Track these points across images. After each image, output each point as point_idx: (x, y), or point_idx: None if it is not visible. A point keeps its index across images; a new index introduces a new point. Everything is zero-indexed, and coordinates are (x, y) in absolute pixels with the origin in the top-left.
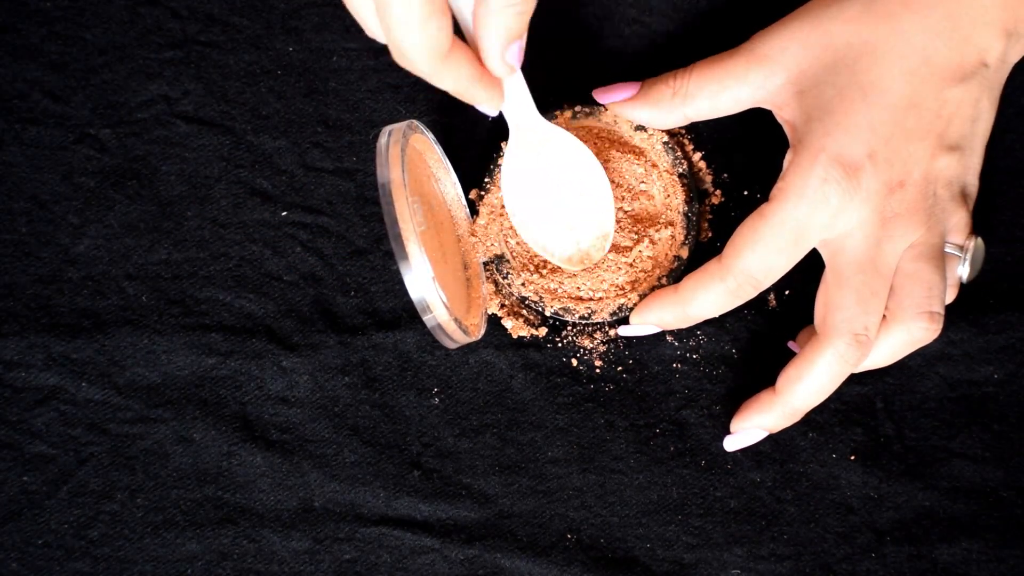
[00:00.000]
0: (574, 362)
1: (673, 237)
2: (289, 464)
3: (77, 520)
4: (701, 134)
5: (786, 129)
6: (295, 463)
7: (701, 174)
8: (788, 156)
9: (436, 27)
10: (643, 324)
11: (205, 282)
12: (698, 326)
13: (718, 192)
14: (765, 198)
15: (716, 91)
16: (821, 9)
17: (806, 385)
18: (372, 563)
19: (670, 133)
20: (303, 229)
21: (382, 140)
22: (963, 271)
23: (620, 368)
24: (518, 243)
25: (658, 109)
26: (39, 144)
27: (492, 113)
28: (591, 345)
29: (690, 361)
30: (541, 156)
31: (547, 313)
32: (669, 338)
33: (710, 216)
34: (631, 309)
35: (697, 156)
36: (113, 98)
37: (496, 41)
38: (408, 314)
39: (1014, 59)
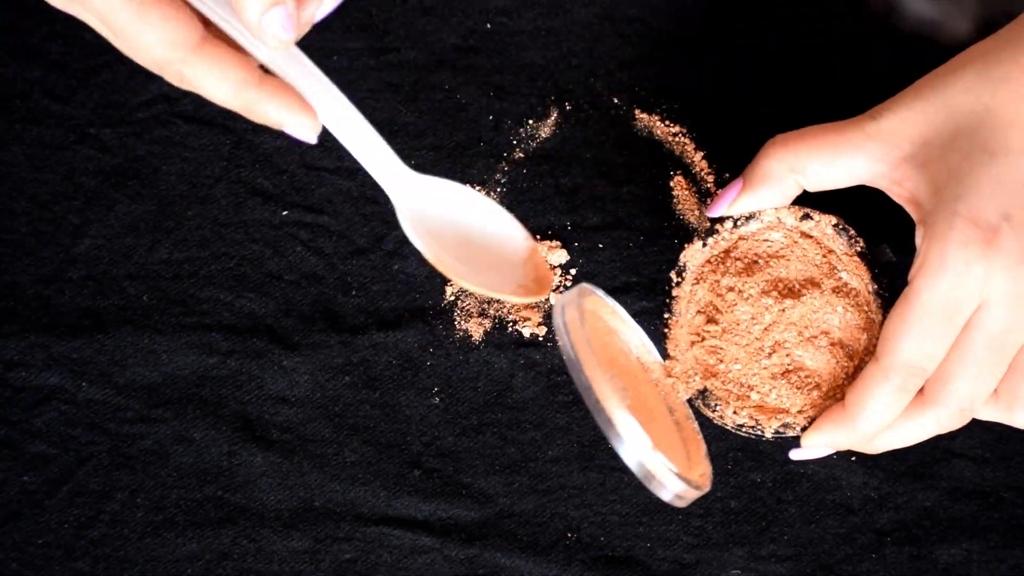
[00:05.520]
0: None
1: (872, 319)
2: (289, 464)
3: (77, 520)
4: (703, 134)
5: (908, 207)
6: (295, 463)
7: (703, 174)
8: (919, 234)
9: (160, 16)
10: (815, 448)
11: (206, 282)
12: None
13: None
14: None
15: (830, 160)
16: (936, 80)
17: (880, 421)
18: (372, 563)
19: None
20: (304, 228)
21: (556, 317)
22: None
23: None
24: (718, 369)
25: (769, 188)
26: (40, 144)
27: (307, 138)
28: None
29: None
30: (426, 205)
31: (768, 436)
32: None
33: None
34: None
35: (699, 156)
36: (114, 98)
37: (254, 4)
38: (409, 313)
39: None
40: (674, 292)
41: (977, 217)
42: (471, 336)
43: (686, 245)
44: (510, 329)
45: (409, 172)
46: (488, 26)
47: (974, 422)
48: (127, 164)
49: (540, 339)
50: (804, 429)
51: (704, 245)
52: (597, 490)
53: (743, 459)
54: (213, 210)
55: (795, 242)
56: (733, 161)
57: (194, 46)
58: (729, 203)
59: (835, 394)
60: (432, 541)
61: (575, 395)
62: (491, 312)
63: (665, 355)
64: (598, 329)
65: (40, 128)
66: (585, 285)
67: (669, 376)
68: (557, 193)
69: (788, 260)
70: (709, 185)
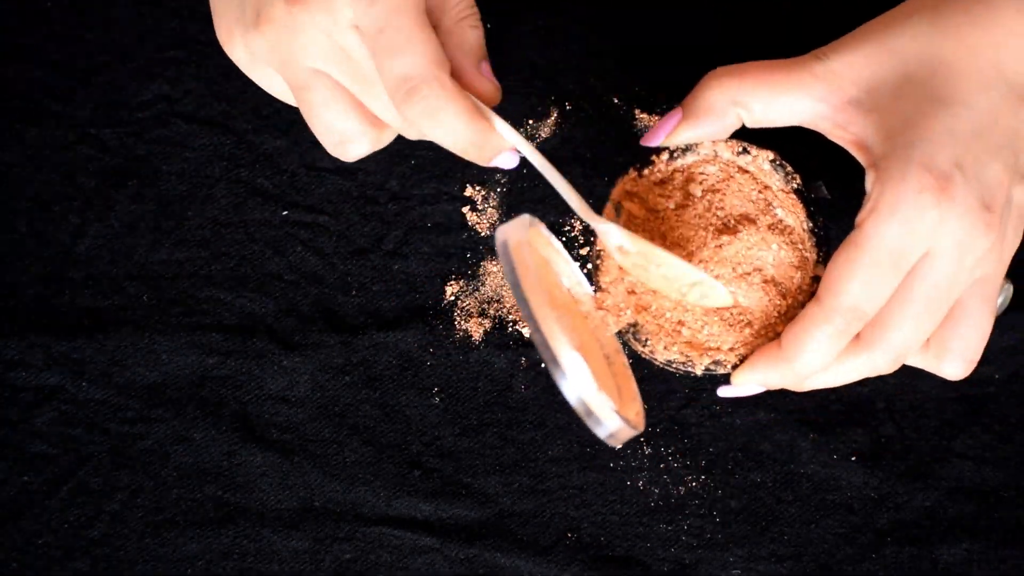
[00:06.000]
0: None
1: (806, 257)
2: (289, 464)
3: (77, 520)
4: None
5: (854, 150)
6: (295, 463)
7: None
8: (869, 178)
9: (431, 33)
10: (745, 385)
11: (206, 282)
12: None
13: None
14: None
15: (771, 96)
16: (884, 27)
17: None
18: (372, 563)
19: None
20: (304, 228)
21: (501, 248)
22: None
23: None
24: (649, 303)
25: (710, 120)
26: (40, 144)
27: (509, 164)
28: None
29: None
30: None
31: (698, 372)
32: None
33: None
34: None
35: None
36: (114, 98)
37: (468, 60)
38: (409, 313)
39: None
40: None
41: (931, 165)
42: (471, 336)
43: (620, 177)
44: (510, 329)
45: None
46: (488, 26)
47: (974, 423)
48: (127, 164)
49: None
50: (735, 367)
51: (639, 176)
52: (597, 490)
53: (743, 459)
54: (213, 210)
55: (731, 176)
56: None
57: (449, 70)
58: (667, 133)
59: (767, 332)
60: (432, 541)
61: None
62: (491, 312)
63: (597, 287)
64: (538, 264)
65: (40, 128)
66: (528, 216)
67: (600, 308)
68: (557, 193)
69: (724, 195)
70: None
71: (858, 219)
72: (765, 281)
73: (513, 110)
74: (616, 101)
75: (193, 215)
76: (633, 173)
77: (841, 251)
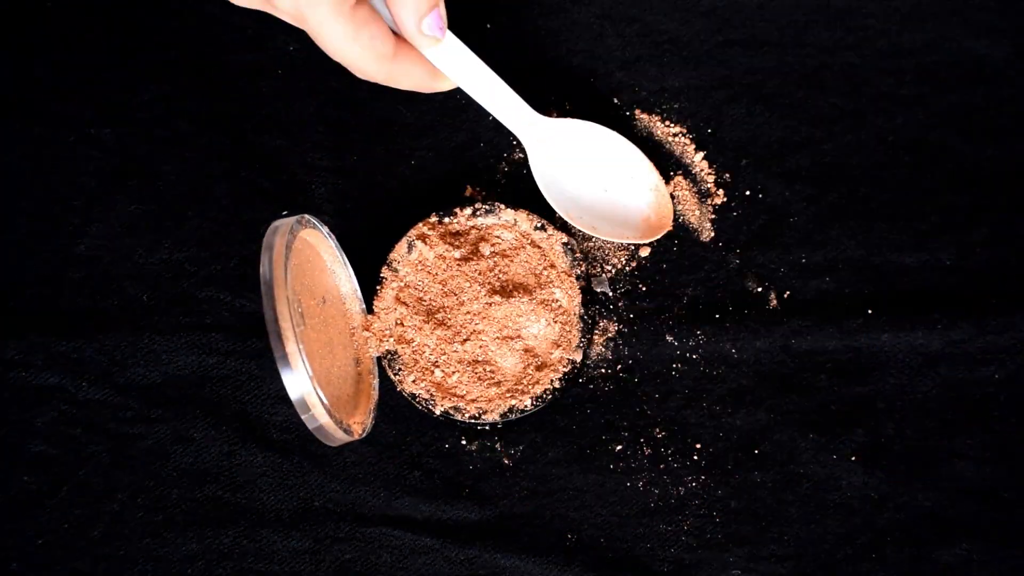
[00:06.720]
0: None
1: (568, 340)
2: (289, 464)
3: (77, 520)
4: (703, 133)
5: None
6: (295, 463)
7: (703, 174)
8: None
9: (369, 36)
10: None
11: (206, 282)
12: (698, 325)
13: (720, 192)
14: (769, 197)
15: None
16: None
17: None
18: (372, 563)
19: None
20: None
21: (267, 237)
22: None
23: (620, 368)
24: (413, 337)
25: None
26: (40, 144)
27: (446, 88)
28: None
29: (690, 361)
30: (556, 148)
31: (436, 412)
32: (669, 338)
33: (713, 216)
34: (522, 411)
35: (699, 156)
36: (114, 98)
37: (412, 14)
38: None
39: None
40: (397, 255)
41: None
42: None
43: (423, 220)
44: None
45: (538, 117)
46: (488, 26)
47: (974, 423)
48: (127, 164)
49: None
50: (472, 417)
51: (439, 222)
52: (597, 491)
53: (743, 459)
54: (213, 210)
55: (523, 247)
56: (734, 161)
57: (392, 55)
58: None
59: (512, 395)
60: (432, 541)
61: (575, 396)
62: None
63: (371, 309)
64: (311, 262)
65: (40, 128)
66: (308, 216)
67: (366, 330)
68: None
69: (511, 261)
70: (709, 185)
71: None
72: (525, 350)
73: None
74: (616, 101)
75: (193, 215)
76: (435, 218)
77: None
